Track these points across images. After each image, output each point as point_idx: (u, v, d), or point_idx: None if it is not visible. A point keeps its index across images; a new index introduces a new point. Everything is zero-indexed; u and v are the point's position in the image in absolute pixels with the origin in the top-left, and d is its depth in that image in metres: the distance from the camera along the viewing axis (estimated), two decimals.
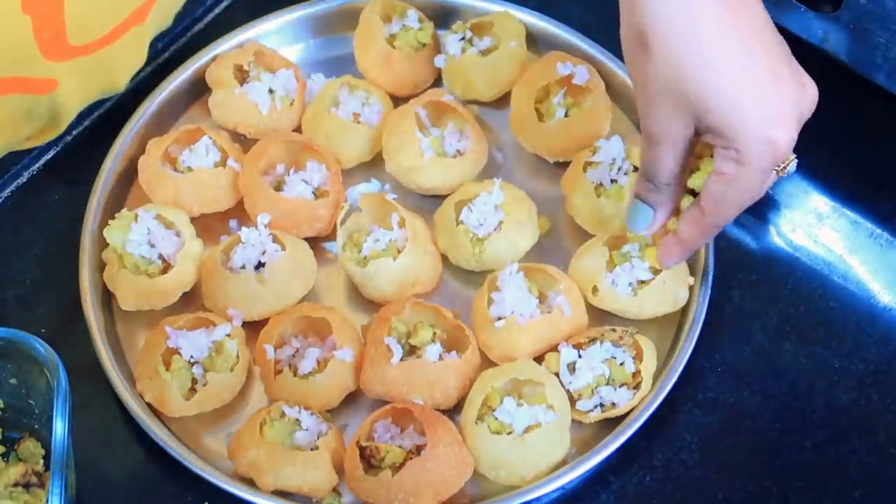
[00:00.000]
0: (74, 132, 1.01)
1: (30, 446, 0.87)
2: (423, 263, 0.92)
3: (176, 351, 0.88)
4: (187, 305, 0.92)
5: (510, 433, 0.84)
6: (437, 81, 1.03)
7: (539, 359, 0.89)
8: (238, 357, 0.88)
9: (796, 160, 0.80)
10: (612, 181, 0.93)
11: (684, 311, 0.91)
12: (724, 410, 0.89)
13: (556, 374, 0.87)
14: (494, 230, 0.92)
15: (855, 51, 0.95)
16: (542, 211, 0.95)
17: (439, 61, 1.01)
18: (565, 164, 0.96)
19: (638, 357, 0.88)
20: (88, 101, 0.97)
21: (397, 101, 1.00)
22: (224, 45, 1.02)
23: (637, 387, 0.87)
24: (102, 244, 0.93)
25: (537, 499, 0.84)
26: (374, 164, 0.98)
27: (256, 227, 0.91)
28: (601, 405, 0.87)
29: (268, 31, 1.03)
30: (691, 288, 0.91)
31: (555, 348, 0.88)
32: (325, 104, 0.98)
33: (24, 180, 0.99)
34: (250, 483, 0.85)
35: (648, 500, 0.87)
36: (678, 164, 0.80)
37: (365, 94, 0.99)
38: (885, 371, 0.91)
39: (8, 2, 0.81)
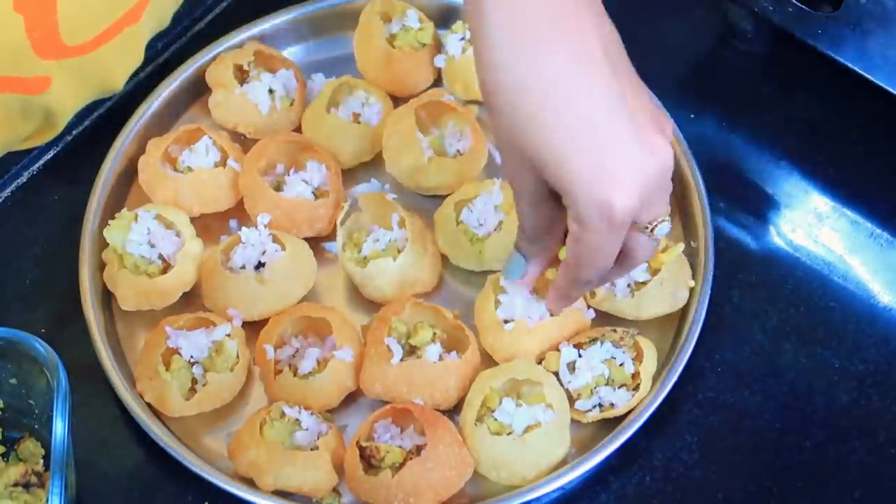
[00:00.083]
0: (74, 132, 1.01)
1: (30, 446, 0.87)
2: (423, 263, 0.92)
3: (176, 351, 0.88)
4: (187, 305, 0.92)
5: (510, 433, 0.84)
6: (438, 81, 1.03)
7: (539, 358, 0.89)
8: (238, 357, 0.88)
9: (667, 223, 0.75)
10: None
11: (684, 311, 0.91)
12: (724, 410, 0.89)
13: (556, 374, 0.87)
14: (494, 230, 0.92)
15: (855, 51, 0.95)
16: None
17: (439, 61, 1.01)
18: None
19: (638, 358, 0.88)
20: (85, 102, 0.97)
21: (397, 101, 1.00)
22: (224, 45, 1.02)
23: (636, 388, 0.87)
24: (102, 244, 0.93)
25: (537, 499, 0.84)
26: (374, 164, 0.98)
27: (256, 227, 0.91)
28: (600, 405, 0.87)
29: (268, 31, 1.03)
30: (691, 288, 0.91)
31: (556, 348, 0.89)
32: (325, 104, 0.98)
33: (24, 180, 0.99)
34: (250, 483, 0.85)
35: (648, 500, 0.87)
36: (539, 217, 0.77)
37: (365, 94, 0.99)
38: (885, 371, 0.91)
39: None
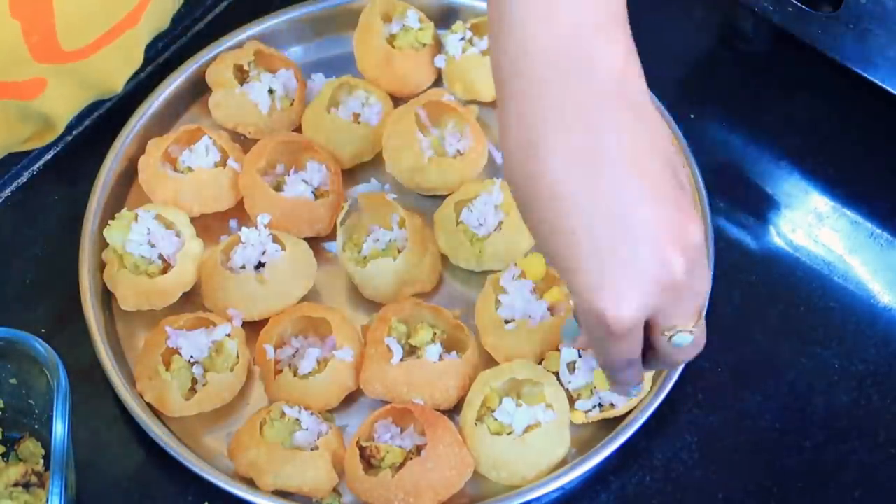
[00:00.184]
0: (74, 132, 1.01)
1: (30, 446, 0.87)
2: (423, 263, 0.92)
3: (176, 351, 0.88)
4: (187, 305, 0.92)
5: (510, 433, 0.84)
6: (438, 81, 1.03)
7: (539, 358, 0.89)
8: (238, 357, 0.88)
9: (688, 334, 0.70)
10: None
11: None
12: (724, 410, 0.89)
13: (556, 374, 0.87)
14: (494, 230, 0.92)
15: (855, 51, 0.95)
16: None
17: (439, 61, 1.01)
18: None
19: None
20: (83, 104, 0.97)
21: (397, 101, 1.00)
22: (224, 45, 1.02)
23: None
24: (102, 244, 0.93)
25: (537, 499, 0.84)
26: (374, 164, 0.98)
27: (256, 227, 0.91)
28: (600, 405, 0.87)
29: (268, 31, 1.03)
30: None
31: (556, 348, 0.89)
32: (325, 104, 0.98)
33: (24, 180, 0.99)
34: (250, 483, 0.85)
35: (648, 500, 0.87)
36: None
37: (365, 94, 0.99)
38: (885, 371, 0.91)
39: None
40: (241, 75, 1.00)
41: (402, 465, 0.83)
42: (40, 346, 0.81)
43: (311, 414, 0.86)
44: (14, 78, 0.87)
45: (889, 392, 0.90)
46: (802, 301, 0.94)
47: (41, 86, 0.90)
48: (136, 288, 0.90)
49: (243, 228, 0.92)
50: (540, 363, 0.88)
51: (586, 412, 0.87)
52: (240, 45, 1.02)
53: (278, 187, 0.95)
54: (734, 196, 0.98)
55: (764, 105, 1.03)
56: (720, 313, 0.92)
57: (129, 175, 0.98)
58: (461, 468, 0.84)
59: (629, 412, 0.86)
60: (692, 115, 1.01)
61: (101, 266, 0.93)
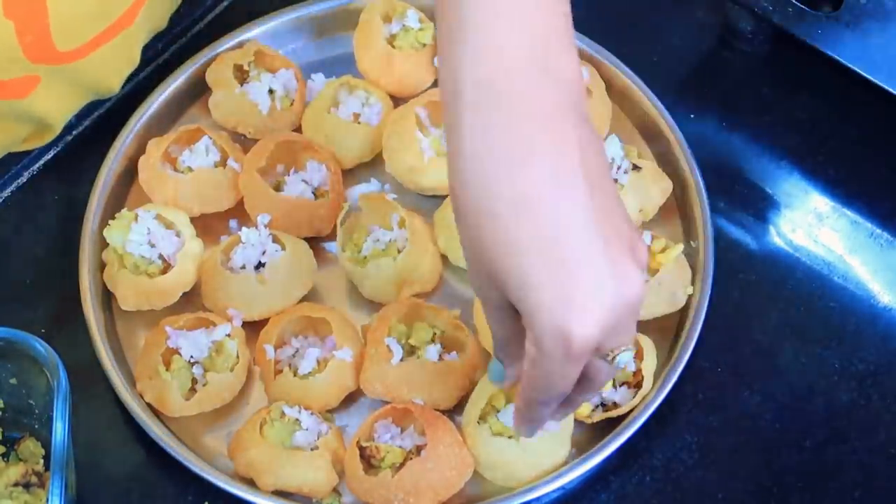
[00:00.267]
0: (74, 132, 1.01)
1: (30, 446, 0.87)
2: (423, 263, 0.92)
3: (176, 351, 0.88)
4: (187, 305, 0.92)
5: (511, 437, 0.84)
6: (437, 81, 1.03)
7: None
8: (238, 357, 0.88)
9: (630, 351, 0.69)
10: (613, 181, 0.93)
11: (684, 311, 0.91)
12: (724, 410, 0.89)
13: None
14: None
15: (855, 51, 0.95)
16: None
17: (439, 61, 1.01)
18: None
19: (638, 356, 0.88)
20: (80, 105, 0.97)
21: (397, 101, 1.00)
22: (224, 45, 1.02)
23: (637, 386, 0.87)
24: (102, 244, 0.93)
25: (537, 499, 0.84)
26: (374, 164, 0.98)
27: (256, 227, 0.91)
28: (602, 405, 0.87)
29: (268, 31, 1.03)
30: (691, 288, 0.91)
31: None
32: (325, 104, 0.98)
33: (24, 180, 0.99)
34: (250, 483, 0.85)
35: (648, 500, 0.87)
36: (505, 329, 0.71)
37: (365, 94, 0.99)
38: (885, 371, 0.91)
39: None
40: (241, 75, 1.00)
41: (402, 465, 0.83)
42: (40, 346, 0.81)
43: (311, 414, 0.86)
44: (9, 77, 0.87)
45: (889, 392, 0.90)
46: (802, 301, 0.94)
47: (31, 84, 0.90)
48: (136, 288, 0.90)
49: (243, 228, 0.92)
50: None
51: (590, 412, 0.87)
52: (240, 45, 1.02)
53: (278, 187, 0.95)
54: (734, 196, 0.98)
55: (764, 105, 1.03)
56: (720, 313, 0.92)
57: (129, 175, 0.98)
58: (461, 468, 0.84)
59: (629, 412, 0.86)
60: (692, 115, 1.01)
61: (101, 266, 0.93)
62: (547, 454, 0.84)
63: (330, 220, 0.94)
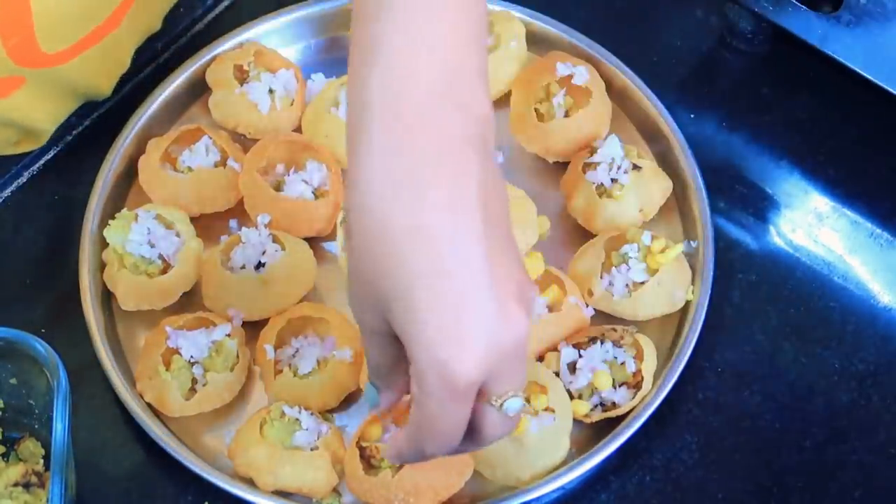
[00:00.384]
0: (74, 132, 1.01)
1: (30, 446, 0.87)
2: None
3: (176, 351, 0.88)
4: (187, 305, 0.92)
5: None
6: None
7: (538, 356, 0.89)
8: (238, 357, 0.88)
9: (519, 398, 0.66)
10: (613, 181, 0.93)
11: (684, 311, 0.91)
12: (724, 410, 0.89)
13: (556, 374, 0.87)
14: None
15: (855, 51, 0.95)
16: (541, 211, 0.95)
17: None
18: (565, 165, 0.96)
19: (638, 356, 0.88)
20: (71, 108, 0.98)
21: None
22: (224, 45, 1.02)
23: (637, 386, 0.87)
24: (102, 244, 0.93)
25: (537, 499, 0.84)
26: None
27: (256, 227, 0.91)
28: (601, 405, 0.87)
29: (268, 31, 1.03)
30: (691, 288, 0.91)
31: (556, 347, 0.89)
32: (325, 104, 0.98)
33: (24, 180, 0.99)
34: (250, 483, 0.85)
35: (648, 500, 0.87)
36: (384, 356, 0.69)
37: None
38: (885, 371, 0.91)
39: None
40: (241, 75, 1.00)
41: (402, 465, 0.83)
42: (40, 346, 0.81)
43: (311, 414, 0.86)
44: None
45: (889, 392, 0.90)
46: (802, 301, 0.94)
47: (14, 84, 0.89)
48: (136, 288, 0.90)
49: (243, 228, 0.92)
50: (540, 361, 0.88)
51: (589, 412, 0.87)
52: (240, 45, 1.02)
53: (278, 187, 0.95)
54: (734, 196, 0.98)
55: (764, 105, 1.03)
56: (720, 313, 0.92)
57: (129, 175, 0.98)
58: (461, 468, 0.84)
59: (629, 412, 0.86)
60: (692, 115, 1.01)
61: (101, 266, 0.93)
62: (543, 457, 0.84)
63: (330, 220, 0.94)
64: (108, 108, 1.01)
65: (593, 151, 0.94)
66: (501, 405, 0.66)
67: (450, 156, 0.64)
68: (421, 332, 0.63)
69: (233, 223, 0.96)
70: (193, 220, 0.94)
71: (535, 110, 0.97)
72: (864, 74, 0.96)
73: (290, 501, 0.84)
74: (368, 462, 0.84)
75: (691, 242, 0.94)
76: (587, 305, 0.91)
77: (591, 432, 0.87)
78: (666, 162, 0.97)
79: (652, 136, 0.99)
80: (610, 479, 0.87)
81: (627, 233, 0.91)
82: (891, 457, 0.88)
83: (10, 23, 0.84)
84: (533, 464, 0.84)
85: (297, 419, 0.85)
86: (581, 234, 0.94)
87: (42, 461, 0.86)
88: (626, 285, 0.90)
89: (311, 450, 0.84)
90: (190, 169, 0.95)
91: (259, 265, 0.91)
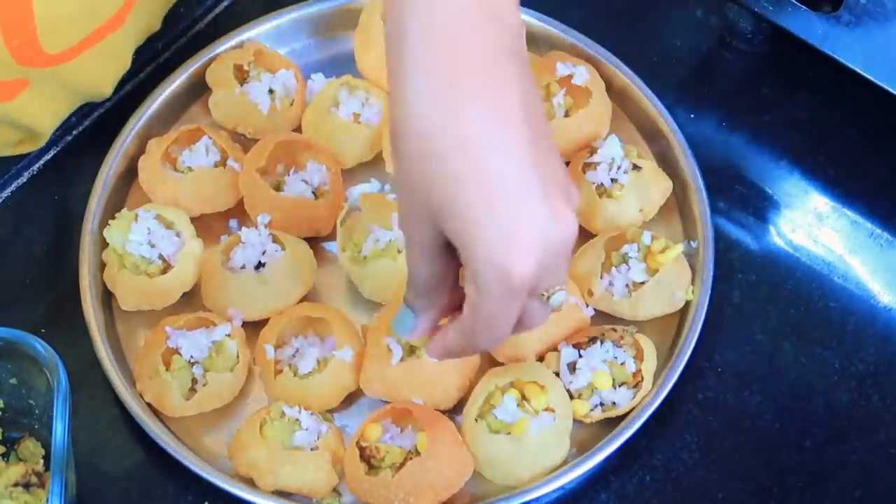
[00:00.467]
0: (74, 132, 1.01)
1: (30, 446, 0.87)
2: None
3: (176, 351, 0.88)
4: (187, 305, 0.92)
5: (509, 433, 0.84)
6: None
7: (539, 356, 0.89)
8: (238, 357, 0.88)
9: (564, 292, 0.72)
10: (613, 181, 0.93)
11: (684, 311, 0.91)
12: (724, 410, 0.90)
13: (555, 374, 0.87)
14: None
15: (855, 51, 0.95)
16: None
17: None
18: (565, 165, 0.96)
19: (638, 356, 0.88)
20: (71, 108, 0.98)
21: None
22: (224, 45, 1.02)
23: (637, 386, 0.87)
24: (102, 244, 0.93)
25: (537, 499, 0.84)
26: (374, 164, 0.98)
27: (256, 227, 0.91)
28: (601, 405, 0.87)
29: (268, 31, 1.03)
30: (691, 288, 0.91)
31: (556, 347, 0.89)
32: (325, 104, 0.98)
33: (24, 180, 0.99)
34: (250, 483, 0.85)
35: (648, 500, 0.87)
36: (432, 270, 0.72)
37: (365, 94, 0.99)
38: (885, 371, 0.91)
39: None
40: (241, 75, 1.00)
41: (402, 465, 0.83)
42: (40, 346, 0.81)
43: (311, 414, 0.86)
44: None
45: (889, 392, 0.90)
46: (802, 301, 0.94)
47: (19, 87, 0.90)
48: (136, 288, 0.90)
49: (243, 228, 0.92)
50: (540, 361, 0.88)
51: (588, 412, 0.87)
52: (240, 45, 1.02)
53: (278, 187, 0.95)
54: (734, 196, 0.98)
55: (764, 105, 1.03)
56: (720, 313, 0.92)
57: (129, 175, 0.98)
58: (461, 468, 0.84)
59: (629, 412, 0.86)
60: (692, 115, 1.01)
61: (101, 266, 0.93)
62: (543, 457, 0.84)
63: (330, 220, 0.94)
64: (108, 108, 1.01)
65: (593, 151, 0.95)
66: (549, 298, 0.71)
67: (488, 67, 0.67)
68: (478, 236, 0.66)
69: (233, 223, 0.96)
70: (193, 220, 0.94)
71: None
72: (864, 74, 0.96)
73: (290, 501, 0.84)
74: (368, 462, 0.84)
75: (691, 242, 0.94)
76: (587, 305, 0.91)
77: (591, 432, 0.87)
78: (666, 162, 0.97)
79: (652, 136, 0.99)
80: (610, 479, 0.87)
81: (627, 233, 0.91)
82: (891, 457, 0.88)
83: (13, 23, 0.84)
84: (533, 464, 0.84)
85: (297, 419, 0.85)
86: (581, 234, 0.94)
87: (42, 461, 0.86)
88: (626, 285, 0.90)
89: (311, 450, 0.84)
90: (190, 169, 0.95)
91: (259, 265, 0.91)
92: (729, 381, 0.90)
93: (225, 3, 1.08)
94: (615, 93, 1.00)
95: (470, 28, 0.67)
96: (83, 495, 0.85)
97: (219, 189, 0.95)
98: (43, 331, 0.89)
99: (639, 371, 0.87)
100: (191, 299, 0.92)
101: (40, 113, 0.94)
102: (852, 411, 0.89)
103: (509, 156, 0.66)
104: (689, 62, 1.06)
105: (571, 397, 0.87)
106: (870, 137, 1.01)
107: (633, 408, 0.86)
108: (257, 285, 0.90)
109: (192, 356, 0.87)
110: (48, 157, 1.00)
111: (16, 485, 0.84)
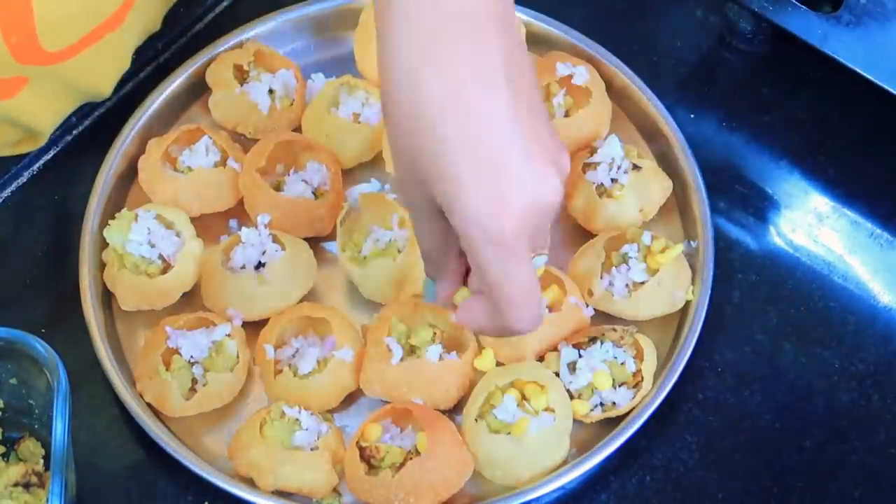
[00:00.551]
0: (75, 132, 1.01)
1: (30, 446, 0.87)
2: (423, 263, 0.92)
3: (176, 351, 0.88)
4: (187, 305, 0.92)
5: (509, 433, 0.84)
6: None
7: (539, 356, 0.89)
8: (238, 357, 0.88)
9: (545, 255, 0.73)
10: (613, 180, 0.93)
11: (684, 311, 0.91)
12: (724, 410, 0.89)
13: (556, 374, 0.87)
14: None
15: (855, 51, 0.95)
16: None
17: None
18: None
19: (638, 356, 0.88)
20: (71, 107, 0.98)
21: None
22: (224, 45, 1.02)
23: (637, 386, 0.87)
24: (102, 244, 0.93)
25: (537, 499, 0.84)
26: (374, 164, 0.98)
27: (256, 227, 0.91)
28: (601, 405, 0.87)
29: (268, 31, 1.03)
30: (691, 288, 0.91)
31: (556, 347, 0.89)
32: (325, 104, 0.98)
33: (24, 180, 0.99)
34: (250, 483, 0.85)
35: (648, 500, 0.87)
36: (433, 236, 0.73)
37: (365, 94, 0.99)
38: (885, 371, 0.91)
39: None
40: (241, 75, 1.00)
41: (402, 465, 0.83)
42: (40, 346, 0.81)
43: (311, 414, 0.86)
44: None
45: (889, 392, 0.90)
46: (802, 301, 0.94)
47: (19, 85, 0.89)
48: (136, 288, 0.90)
49: (243, 228, 0.92)
50: (540, 361, 0.88)
51: (588, 412, 0.87)
52: (240, 45, 1.02)
53: (278, 187, 0.95)
54: (734, 196, 0.98)
55: (764, 105, 1.03)
56: (720, 313, 0.92)
57: (129, 175, 0.98)
58: (461, 468, 0.84)
59: (629, 412, 0.86)
60: (692, 115, 1.01)
61: (101, 266, 0.93)
62: (543, 457, 0.84)
63: (330, 220, 0.94)
64: (108, 108, 1.01)
65: (593, 151, 0.95)
66: (532, 256, 0.70)
67: (473, 30, 0.67)
68: (461, 197, 0.67)
69: (233, 223, 0.96)
70: (193, 220, 0.94)
71: None
72: (864, 74, 0.96)
73: (290, 501, 0.84)
74: (368, 462, 0.84)
75: (691, 242, 0.94)
76: (587, 305, 0.91)
77: (591, 432, 0.87)
78: (666, 162, 0.97)
79: (652, 135, 0.99)
80: (610, 479, 0.87)
81: (627, 233, 0.91)
82: (891, 457, 0.88)
83: (12, 21, 0.84)
84: (533, 464, 0.84)
85: (297, 419, 0.85)
86: (581, 234, 0.94)
87: (42, 461, 0.86)
88: (626, 285, 0.90)
89: (311, 450, 0.84)
90: (190, 169, 0.95)
91: (259, 265, 0.91)
92: (729, 381, 0.90)
93: (225, 3, 1.08)
94: (615, 93, 1.00)
95: None
96: (83, 495, 0.85)
97: (219, 189, 0.95)
98: (43, 331, 0.89)
99: (639, 371, 0.87)
100: (191, 299, 0.92)
101: (40, 112, 0.94)
102: (852, 411, 0.89)
103: (489, 116, 0.66)
104: (690, 62, 1.06)
105: (571, 397, 0.87)
106: (870, 137, 1.01)
107: (633, 408, 0.86)
108: (257, 285, 0.90)
109: (192, 356, 0.87)
110: (48, 157, 1.00)
111: (16, 485, 0.84)
